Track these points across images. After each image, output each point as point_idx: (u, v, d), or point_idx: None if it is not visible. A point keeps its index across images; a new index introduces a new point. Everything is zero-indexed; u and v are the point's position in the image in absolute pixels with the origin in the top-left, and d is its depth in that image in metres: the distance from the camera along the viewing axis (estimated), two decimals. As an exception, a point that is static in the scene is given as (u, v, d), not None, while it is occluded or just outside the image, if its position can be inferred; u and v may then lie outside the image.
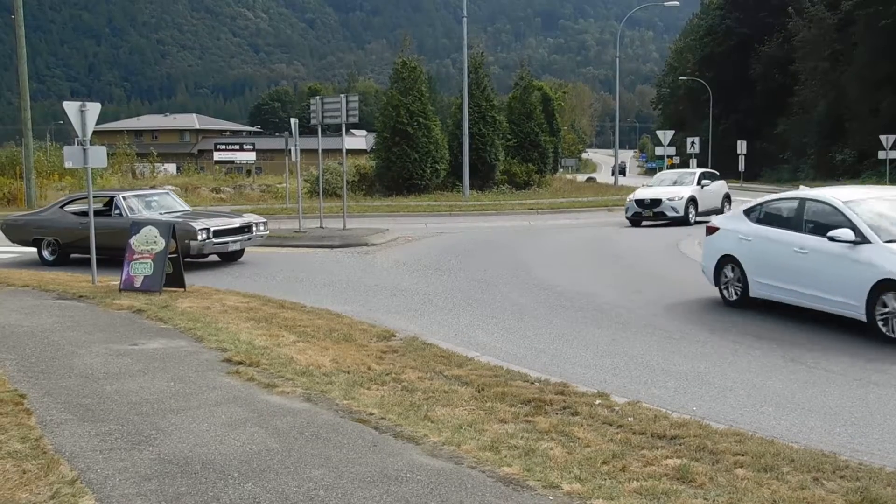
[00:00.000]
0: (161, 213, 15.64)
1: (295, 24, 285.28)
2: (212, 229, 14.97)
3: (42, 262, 16.19)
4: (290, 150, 25.14)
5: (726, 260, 11.50)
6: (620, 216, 26.74)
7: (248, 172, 53.51)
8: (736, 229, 11.48)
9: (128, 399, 6.43)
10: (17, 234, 16.97)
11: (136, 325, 9.37)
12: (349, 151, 28.24)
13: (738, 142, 51.27)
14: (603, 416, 6.07)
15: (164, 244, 11.54)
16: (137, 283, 11.52)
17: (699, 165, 50.04)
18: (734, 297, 11.31)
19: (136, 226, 12.00)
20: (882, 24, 48.21)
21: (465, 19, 37.02)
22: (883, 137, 39.36)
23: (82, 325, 9.40)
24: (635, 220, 24.71)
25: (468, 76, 36.57)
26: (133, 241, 11.71)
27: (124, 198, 15.81)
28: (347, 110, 20.48)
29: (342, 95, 21.34)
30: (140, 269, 11.58)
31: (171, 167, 60.14)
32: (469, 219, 27.35)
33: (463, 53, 37.23)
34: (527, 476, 4.79)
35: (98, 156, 12.36)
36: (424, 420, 5.92)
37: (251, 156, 44.47)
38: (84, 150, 12.08)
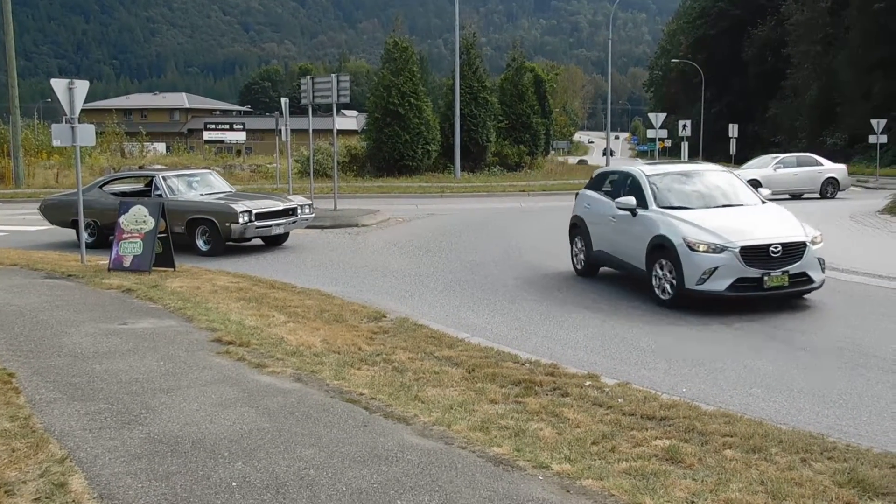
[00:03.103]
0: (203, 194, 15.30)
1: (286, 3, 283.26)
2: (254, 212, 14.48)
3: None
4: (280, 130, 25.07)
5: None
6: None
7: (238, 152, 53.34)
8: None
9: (117, 378, 6.41)
10: (56, 215, 16.48)
11: (125, 305, 9.33)
12: (340, 132, 28.13)
13: (730, 125, 51.28)
14: (593, 397, 6.09)
15: (153, 224, 11.48)
16: (127, 263, 11.47)
17: (691, 148, 50.10)
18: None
19: (126, 205, 11.91)
20: (875, 7, 48.18)
21: (457, -1, 36.84)
22: (874, 122, 39.39)
23: (71, 305, 9.36)
24: (738, 297, 9.76)
25: (460, 57, 36.43)
26: (122, 220, 11.65)
27: (164, 178, 15.34)
28: (338, 90, 20.37)
29: (333, 75, 21.20)
30: (129, 248, 11.52)
31: (161, 146, 59.96)
32: (460, 200, 27.32)
33: (455, 34, 37.06)
34: (517, 456, 4.80)
35: (86, 134, 12.25)
36: (415, 400, 5.93)
37: (241, 135, 44.37)
38: (72, 128, 11.98)
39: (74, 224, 16.01)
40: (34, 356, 7.09)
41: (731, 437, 5.20)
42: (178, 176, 15.81)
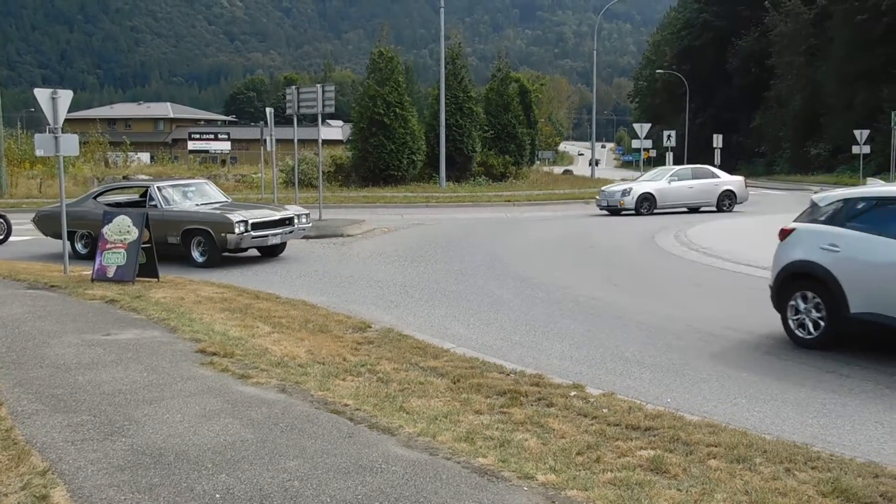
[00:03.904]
0: (198, 204, 15.12)
1: (271, 13, 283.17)
2: (250, 222, 14.28)
3: (75, 255, 15.12)
4: (265, 140, 25.01)
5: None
6: (597, 208, 26.80)
7: (223, 162, 53.19)
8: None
9: (100, 390, 6.36)
10: (51, 226, 16.12)
11: (108, 316, 9.27)
12: (325, 142, 28.12)
13: (715, 135, 51.64)
14: (578, 407, 6.09)
15: (136, 234, 11.42)
16: (110, 273, 11.40)
17: (676, 159, 50.33)
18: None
19: (109, 215, 11.85)
20: (858, 19, 48.70)
21: (442, 10, 36.97)
22: (857, 132, 39.77)
23: (54, 315, 9.29)
24: None
25: (445, 67, 36.54)
26: (106, 230, 11.59)
27: (159, 188, 15.13)
28: (324, 100, 20.39)
29: (318, 85, 21.22)
30: (113, 258, 11.46)
31: (145, 156, 59.71)
32: (446, 210, 27.35)
33: (440, 44, 37.17)
34: (501, 467, 4.79)
35: (70, 144, 12.18)
36: (400, 411, 5.91)
37: (226, 145, 44.28)
38: (55, 137, 11.91)
39: (68, 235, 15.93)
40: (16, 367, 7.03)
41: (716, 446, 5.21)
42: (173, 186, 15.61)
